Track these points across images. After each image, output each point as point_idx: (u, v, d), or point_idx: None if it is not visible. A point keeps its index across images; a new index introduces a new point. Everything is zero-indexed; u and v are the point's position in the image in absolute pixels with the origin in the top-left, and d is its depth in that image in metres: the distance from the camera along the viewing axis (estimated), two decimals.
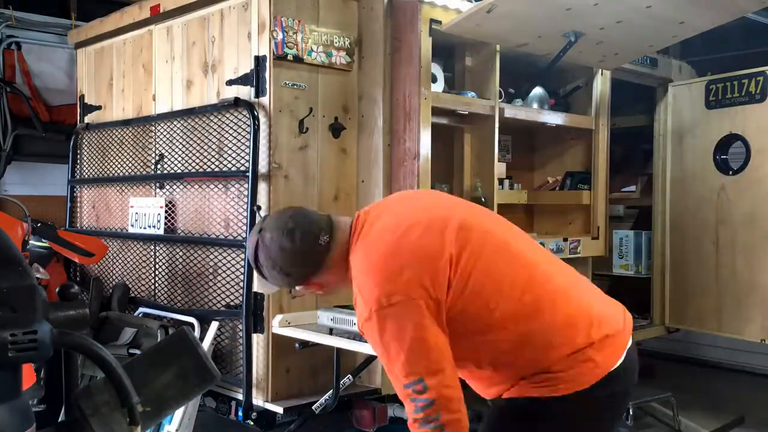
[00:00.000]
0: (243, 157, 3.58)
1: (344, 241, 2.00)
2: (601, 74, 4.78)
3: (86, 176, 4.85)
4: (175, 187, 4.08)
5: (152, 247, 4.22)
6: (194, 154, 3.91)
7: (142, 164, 4.36)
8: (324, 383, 3.59)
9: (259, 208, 3.45)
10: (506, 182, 4.70)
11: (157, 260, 4.17)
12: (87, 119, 4.89)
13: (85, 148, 4.87)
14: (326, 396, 3.41)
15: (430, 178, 3.76)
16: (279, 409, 3.44)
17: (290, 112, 3.56)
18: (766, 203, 4.88)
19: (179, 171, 4.03)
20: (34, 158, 5.83)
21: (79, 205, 4.93)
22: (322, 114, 3.68)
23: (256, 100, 3.54)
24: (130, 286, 4.27)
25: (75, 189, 4.93)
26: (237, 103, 3.57)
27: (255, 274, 2.12)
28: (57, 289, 1.16)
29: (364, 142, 3.82)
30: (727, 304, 5.10)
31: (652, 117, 5.66)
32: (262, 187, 3.49)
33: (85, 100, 4.94)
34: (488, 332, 1.91)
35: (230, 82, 3.68)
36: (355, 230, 2.00)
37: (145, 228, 4.20)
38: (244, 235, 3.47)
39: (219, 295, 3.73)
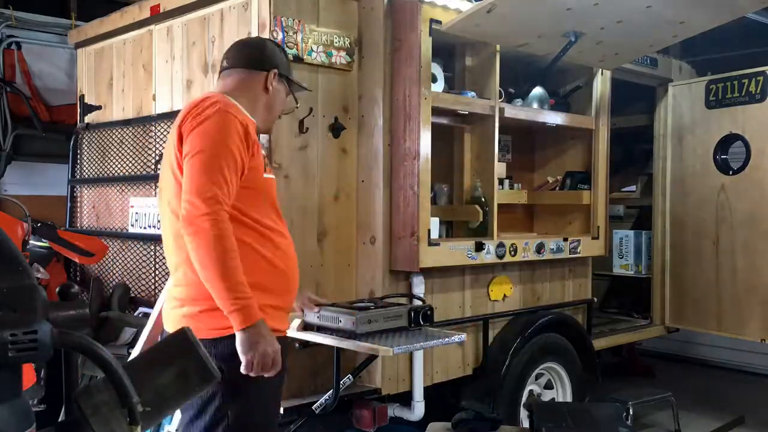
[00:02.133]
0: None
1: None
2: (601, 74, 4.78)
3: (86, 176, 4.85)
4: None
5: (152, 247, 4.21)
6: None
7: (142, 164, 4.36)
8: (324, 383, 3.59)
9: None
10: (506, 182, 4.70)
11: (157, 260, 4.16)
12: (87, 119, 4.89)
13: (85, 148, 4.87)
14: (326, 396, 3.41)
15: (430, 178, 3.76)
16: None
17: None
18: (766, 203, 4.88)
19: None
20: (34, 158, 5.83)
21: (79, 205, 4.93)
22: (322, 114, 3.68)
23: None
24: (130, 286, 4.27)
25: (75, 189, 4.93)
26: None
27: None
28: (57, 289, 1.16)
29: (364, 142, 3.82)
30: (727, 304, 5.10)
31: (652, 117, 5.67)
32: None
33: (85, 100, 4.94)
34: None
35: None
36: None
37: (145, 228, 4.20)
38: None
39: None
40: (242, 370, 2.17)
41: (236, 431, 2.25)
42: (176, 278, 2.38)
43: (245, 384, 2.24)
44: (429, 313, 3.22)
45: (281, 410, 3.44)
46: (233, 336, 2.16)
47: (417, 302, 3.65)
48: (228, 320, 2.15)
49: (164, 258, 4.08)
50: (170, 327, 2.43)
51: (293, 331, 3.41)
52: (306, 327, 3.24)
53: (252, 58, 2.56)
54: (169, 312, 2.41)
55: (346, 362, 3.51)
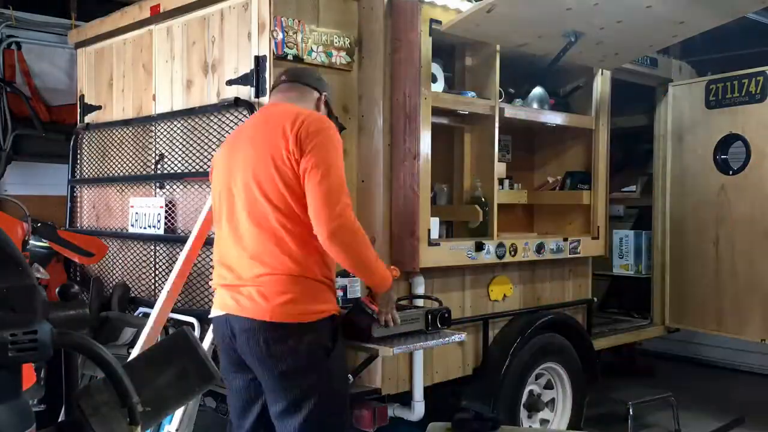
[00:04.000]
0: None
1: None
2: (601, 74, 4.78)
3: (86, 176, 4.85)
4: (175, 187, 4.08)
5: (152, 247, 4.21)
6: (194, 154, 3.91)
7: (142, 164, 4.36)
8: None
9: None
10: (506, 182, 4.69)
11: (157, 260, 4.17)
12: (87, 119, 4.89)
13: (85, 148, 4.87)
14: None
15: (430, 178, 3.76)
16: None
17: None
18: (766, 203, 4.88)
19: (179, 171, 4.03)
20: (34, 158, 5.83)
21: (79, 205, 4.93)
22: None
23: (257, 100, 3.53)
24: (130, 286, 4.27)
25: (75, 189, 4.93)
26: (237, 103, 3.56)
27: None
28: (57, 289, 1.16)
29: (364, 142, 3.82)
30: (727, 304, 5.10)
31: (652, 117, 5.66)
32: None
33: (85, 100, 4.94)
34: None
35: (230, 82, 3.68)
36: None
37: (145, 228, 4.20)
38: None
39: None
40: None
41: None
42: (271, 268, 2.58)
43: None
44: (447, 315, 3.17)
45: None
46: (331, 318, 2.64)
47: (420, 302, 3.64)
48: (325, 304, 2.63)
49: (163, 258, 4.10)
50: (265, 315, 2.57)
51: None
52: None
53: (312, 78, 2.94)
54: (259, 300, 2.58)
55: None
